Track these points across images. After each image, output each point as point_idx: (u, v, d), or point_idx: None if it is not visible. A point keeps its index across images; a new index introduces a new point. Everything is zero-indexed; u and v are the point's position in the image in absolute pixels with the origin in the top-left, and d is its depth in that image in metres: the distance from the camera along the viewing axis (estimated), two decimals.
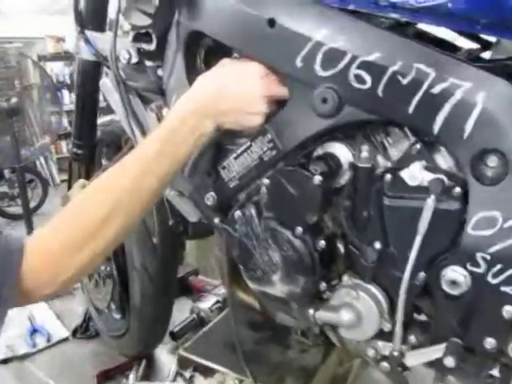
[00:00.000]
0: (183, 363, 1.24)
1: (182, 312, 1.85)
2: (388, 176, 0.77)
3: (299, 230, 0.81)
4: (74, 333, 1.82)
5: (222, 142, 0.88)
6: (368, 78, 0.71)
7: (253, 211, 0.86)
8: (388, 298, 0.84)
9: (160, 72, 0.98)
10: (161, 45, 0.93)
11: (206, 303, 1.81)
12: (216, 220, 0.94)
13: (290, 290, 0.86)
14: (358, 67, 0.71)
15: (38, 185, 4.01)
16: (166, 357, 1.63)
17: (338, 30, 0.72)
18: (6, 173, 4.04)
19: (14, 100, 2.94)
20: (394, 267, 0.81)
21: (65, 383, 1.56)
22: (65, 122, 4.36)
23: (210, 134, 0.78)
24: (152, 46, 0.94)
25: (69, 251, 0.67)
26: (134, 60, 0.98)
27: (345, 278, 0.88)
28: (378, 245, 0.80)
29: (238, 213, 0.90)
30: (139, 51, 0.96)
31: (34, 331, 1.82)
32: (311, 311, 0.88)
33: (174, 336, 1.71)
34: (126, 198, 0.71)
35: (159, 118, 1.04)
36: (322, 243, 0.82)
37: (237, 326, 1.07)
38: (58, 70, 5.32)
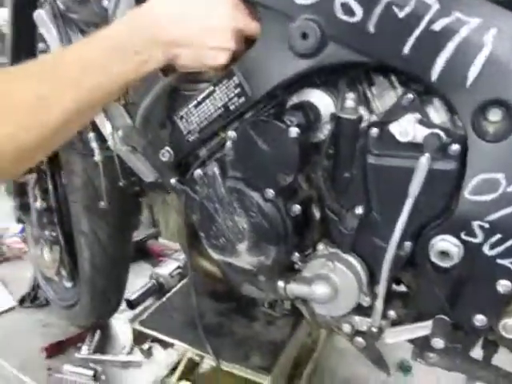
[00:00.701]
0: (139, 338, 1.14)
1: (139, 277, 1.73)
2: (374, 130, 0.67)
3: (270, 192, 0.70)
4: (22, 301, 1.68)
5: (179, 87, 0.74)
6: (358, 9, 0.59)
7: (215, 170, 0.73)
8: (368, 269, 0.75)
9: (105, 2, 0.82)
10: None
11: (166, 268, 1.69)
12: (172, 180, 0.81)
13: (258, 262, 0.76)
14: None
15: None
16: (122, 327, 1.52)
17: None
18: None
19: None
20: (376, 235, 0.72)
21: (11, 358, 1.42)
22: None
23: (157, 65, 0.62)
24: None
25: None
26: None
27: (320, 246, 0.78)
28: (359, 210, 0.70)
29: (198, 171, 0.77)
30: None
31: None
32: (281, 283, 0.79)
33: (131, 304, 1.59)
34: (29, 103, 0.51)
35: None
36: (296, 208, 0.71)
37: (197, 297, 0.97)
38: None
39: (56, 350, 1.43)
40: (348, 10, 0.59)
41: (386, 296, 0.73)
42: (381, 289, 0.72)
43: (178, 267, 1.67)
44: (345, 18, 0.59)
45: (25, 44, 1.12)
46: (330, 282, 0.76)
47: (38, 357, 1.43)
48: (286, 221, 0.71)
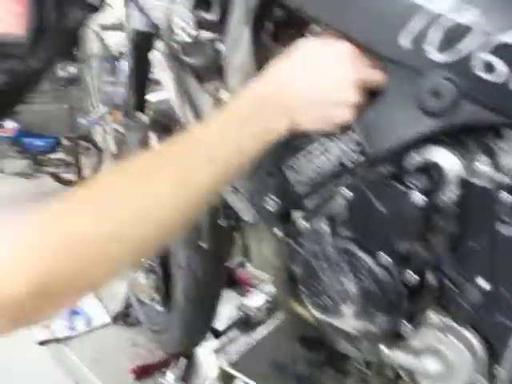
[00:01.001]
0: (225, 379, 1.12)
1: (224, 305, 1.73)
2: (506, 196, 0.59)
3: (384, 257, 0.64)
4: (115, 319, 1.75)
5: (290, 137, 0.72)
6: (501, 67, 0.53)
7: (324, 226, 0.69)
8: (488, 347, 0.66)
9: (219, 46, 0.82)
10: (223, 14, 0.78)
11: (254, 301, 1.67)
12: (277, 229, 0.78)
13: (363, 327, 0.70)
14: (490, 51, 0.52)
15: (94, 153, 4.06)
16: (207, 357, 1.52)
17: None
18: (63, 140, 4.12)
19: (72, 69, 2.95)
20: (502, 312, 0.63)
21: (99, 372, 1.49)
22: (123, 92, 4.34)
23: (282, 133, 0.62)
24: (213, 16, 0.78)
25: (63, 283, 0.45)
26: (191, 31, 0.83)
27: (432, 315, 0.70)
28: (484, 283, 0.62)
29: (303, 223, 0.74)
30: (197, 21, 0.81)
31: (74, 313, 1.77)
32: (385, 349, 0.72)
33: (217, 333, 1.59)
34: (165, 200, 0.51)
35: (215, 101, 0.89)
36: (412, 275, 0.65)
37: (287, 343, 0.93)
38: (121, 39, 5.27)
39: (144, 372, 1.47)
40: (490, 68, 0.53)
41: None
42: (503, 373, 0.63)
43: (267, 301, 1.65)
44: (486, 76, 0.53)
45: (138, 81, 1.18)
46: (441, 356, 0.68)
47: (125, 377, 1.47)
48: (399, 288, 0.65)
